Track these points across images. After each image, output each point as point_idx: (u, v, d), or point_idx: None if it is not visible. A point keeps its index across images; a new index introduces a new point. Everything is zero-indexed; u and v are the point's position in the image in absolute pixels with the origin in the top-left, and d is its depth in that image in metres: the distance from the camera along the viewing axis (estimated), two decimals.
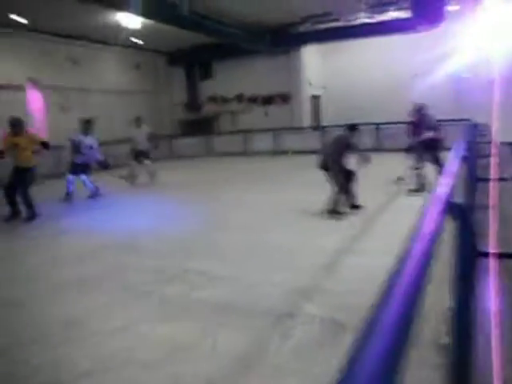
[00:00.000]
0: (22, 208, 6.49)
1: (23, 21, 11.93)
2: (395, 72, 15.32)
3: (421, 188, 6.88)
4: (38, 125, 13.41)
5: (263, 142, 16.00)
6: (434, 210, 1.34)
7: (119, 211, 7.20)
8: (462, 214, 1.48)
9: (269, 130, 15.96)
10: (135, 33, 13.78)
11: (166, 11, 10.70)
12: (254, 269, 3.91)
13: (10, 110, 12.42)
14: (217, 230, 5.44)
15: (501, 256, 1.64)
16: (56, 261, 4.54)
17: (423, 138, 7.04)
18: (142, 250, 4.72)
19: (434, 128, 7.13)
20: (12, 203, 6.49)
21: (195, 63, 18.68)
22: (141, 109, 17.65)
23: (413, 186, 7.00)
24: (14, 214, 6.53)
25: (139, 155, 9.70)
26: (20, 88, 12.94)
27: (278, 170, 11.26)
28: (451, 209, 1.52)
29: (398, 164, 7.53)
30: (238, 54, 16.36)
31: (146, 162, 9.75)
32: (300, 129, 16.15)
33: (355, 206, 5.95)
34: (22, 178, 6.40)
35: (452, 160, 2.09)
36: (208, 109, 18.77)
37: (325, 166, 5.90)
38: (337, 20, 13.95)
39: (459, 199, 1.57)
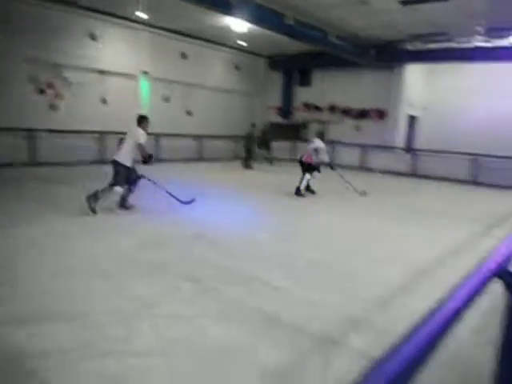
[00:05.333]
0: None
1: (145, 17, 13.09)
2: (507, 103, 14.16)
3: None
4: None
5: (350, 155, 15.72)
6: (483, 274, 1.33)
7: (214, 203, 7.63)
8: None
9: (358, 144, 15.67)
10: (241, 36, 14.39)
11: (273, 19, 11.04)
12: (318, 289, 3.94)
13: (123, 94, 13.84)
14: (293, 243, 5.51)
15: None
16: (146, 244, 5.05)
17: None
18: (222, 249, 5.00)
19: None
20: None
21: (294, 69, 18.93)
22: (236, 108, 18.40)
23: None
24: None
25: None
26: (133, 77, 14.24)
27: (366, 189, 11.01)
28: (504, 276, 1.47)
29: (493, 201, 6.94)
30: (338, 64, 16.20)
31: None
32: (392, 148, 15.58)
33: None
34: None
35: None
36: (300, 115, 18.93)
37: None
38: (449, 41, 13.24)
39: None
